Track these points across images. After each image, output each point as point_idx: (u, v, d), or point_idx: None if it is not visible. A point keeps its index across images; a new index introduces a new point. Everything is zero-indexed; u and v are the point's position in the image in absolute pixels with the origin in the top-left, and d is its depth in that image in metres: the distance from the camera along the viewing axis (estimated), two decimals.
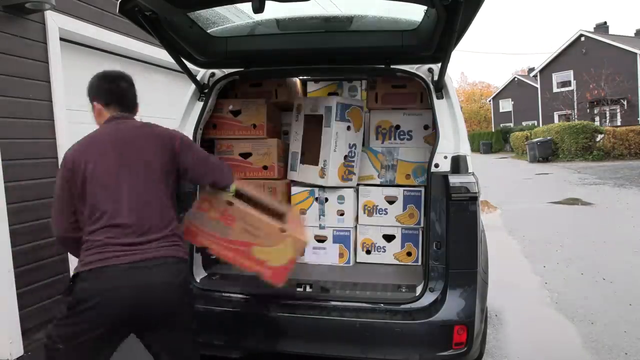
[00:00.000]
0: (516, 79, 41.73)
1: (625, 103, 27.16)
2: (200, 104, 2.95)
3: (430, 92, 2.73)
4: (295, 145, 3.32)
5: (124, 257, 1.84)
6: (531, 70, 40.50)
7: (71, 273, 4.10)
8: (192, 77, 2.92)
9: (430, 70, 2.81)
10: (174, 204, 2.09)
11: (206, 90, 2.98)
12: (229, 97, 3.48)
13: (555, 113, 31.64)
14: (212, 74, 3.02)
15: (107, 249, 1.84)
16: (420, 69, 2.83)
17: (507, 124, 39.51)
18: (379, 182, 3.29)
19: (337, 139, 3.10)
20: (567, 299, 4.30)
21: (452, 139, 2.56)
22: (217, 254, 2.38)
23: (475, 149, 31.87)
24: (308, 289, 2.67)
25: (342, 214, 3.20)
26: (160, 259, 1.89)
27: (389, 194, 3.23)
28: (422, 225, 3.16)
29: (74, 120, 3.97)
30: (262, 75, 3.29)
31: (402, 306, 2.47)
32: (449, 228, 2.44)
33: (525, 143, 23.50)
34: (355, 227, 3.26)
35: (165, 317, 1.93)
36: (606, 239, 6.45)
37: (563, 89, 30.76)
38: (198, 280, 2.79)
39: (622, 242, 6.25)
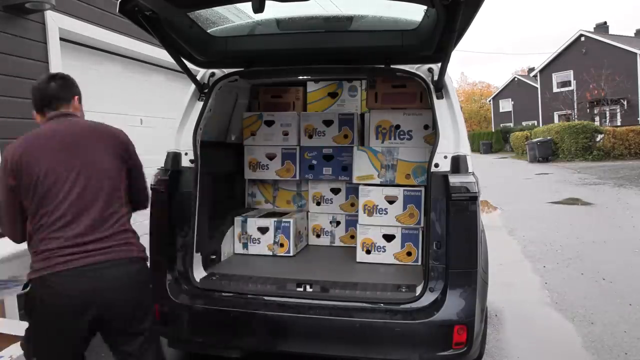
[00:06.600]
0: (516, 79, 41.70)
1: (625, 103, 27.14)
2: (200, 104, 2.94)
3: (430, 92, 2.73)
4: None
5: (70, 262, 1.77)
6: (531, 70, 40.47)
7: None
8: (192, 77, 2.92)
9: (430, 70, 2.80)
10: (126, 200, 2.03)
11: (206, 90, 2.98)
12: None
13: (555, 113, 31.60)
14: (212, 74, 3.02)
15: (54, 253, 1.78)
16: (420, 69, 2.83)
17: (507, 124, 39.47)
18: (379, 182, 3.29)
19: None
20: (567, 299, 4.30)
21: (452, 138, 2.56)
22: None
23: (475, 149, 31.82)
24: (308, 289, 2.67)
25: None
26: (110, 262, 1.83)
27: (389, 193, 3.23)
28: (422, 225, 3.16)
29: None
30: (262, 75, 3.29)
31: (402, 306, 2.47)
32: (449, 228, 2.43)
33: (525, 143, 23.49)
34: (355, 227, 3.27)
35: (119, 321, 1.89)
36: (606, 239, 6.45)
37: (563, 89, 30.72)
38: (198, 280, 2.78)
39: (622, 242, 6.24)
